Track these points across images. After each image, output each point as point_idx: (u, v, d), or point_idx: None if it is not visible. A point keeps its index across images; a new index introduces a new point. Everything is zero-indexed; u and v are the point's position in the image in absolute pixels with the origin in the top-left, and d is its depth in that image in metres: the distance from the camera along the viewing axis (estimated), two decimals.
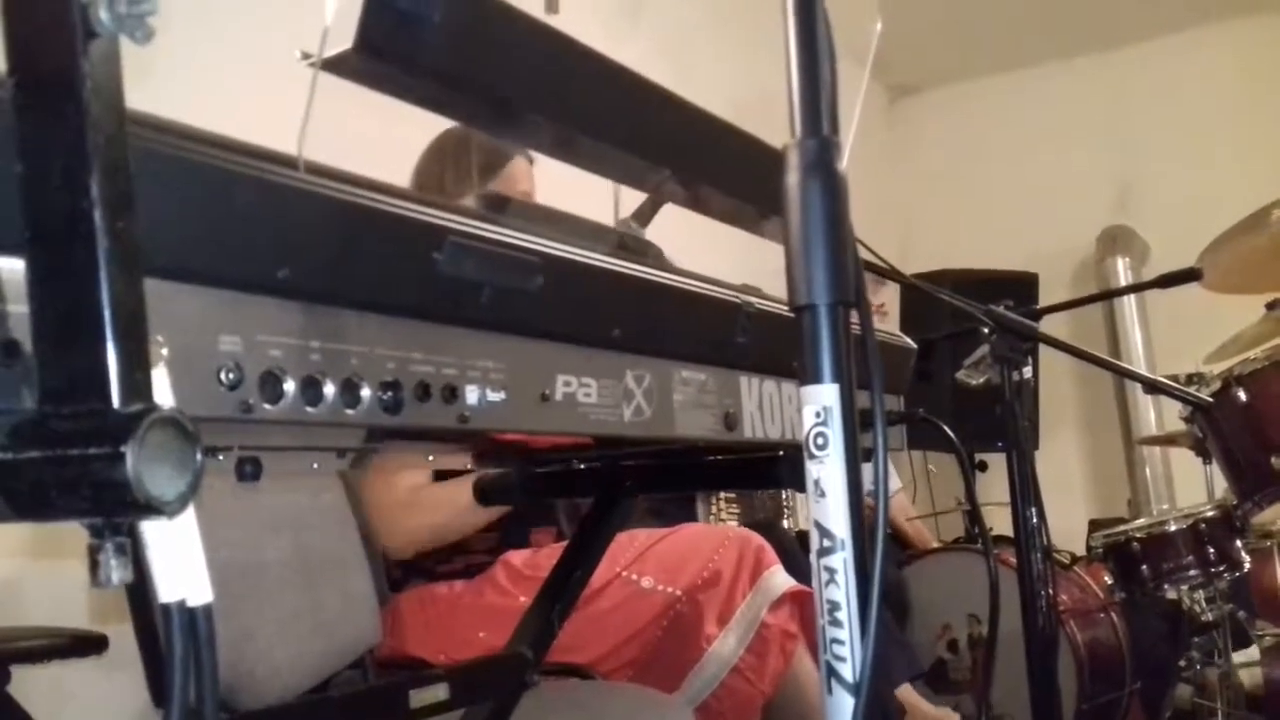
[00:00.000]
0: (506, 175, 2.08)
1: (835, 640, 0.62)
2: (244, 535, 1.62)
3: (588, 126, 0.86)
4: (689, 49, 3.64)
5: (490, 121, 0.94)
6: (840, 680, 0.61)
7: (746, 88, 2.77)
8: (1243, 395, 2.34)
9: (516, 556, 1.98)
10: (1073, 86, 5.09)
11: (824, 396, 0.63)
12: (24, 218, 0.47)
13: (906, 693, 2.51)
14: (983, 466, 4.24)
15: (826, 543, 0.62)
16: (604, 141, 0.88)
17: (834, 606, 0.62)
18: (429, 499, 1.89)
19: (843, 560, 0.62)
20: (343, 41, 0.63)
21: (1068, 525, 3.53)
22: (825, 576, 0.62)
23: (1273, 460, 2.30)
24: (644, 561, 1.92)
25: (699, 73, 3.06)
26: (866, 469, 0.66)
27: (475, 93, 0.76)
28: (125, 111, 0.47)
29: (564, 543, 1.75)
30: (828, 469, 0.63)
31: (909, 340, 1.35)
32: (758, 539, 1.99)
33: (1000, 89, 5.27)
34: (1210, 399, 2.34)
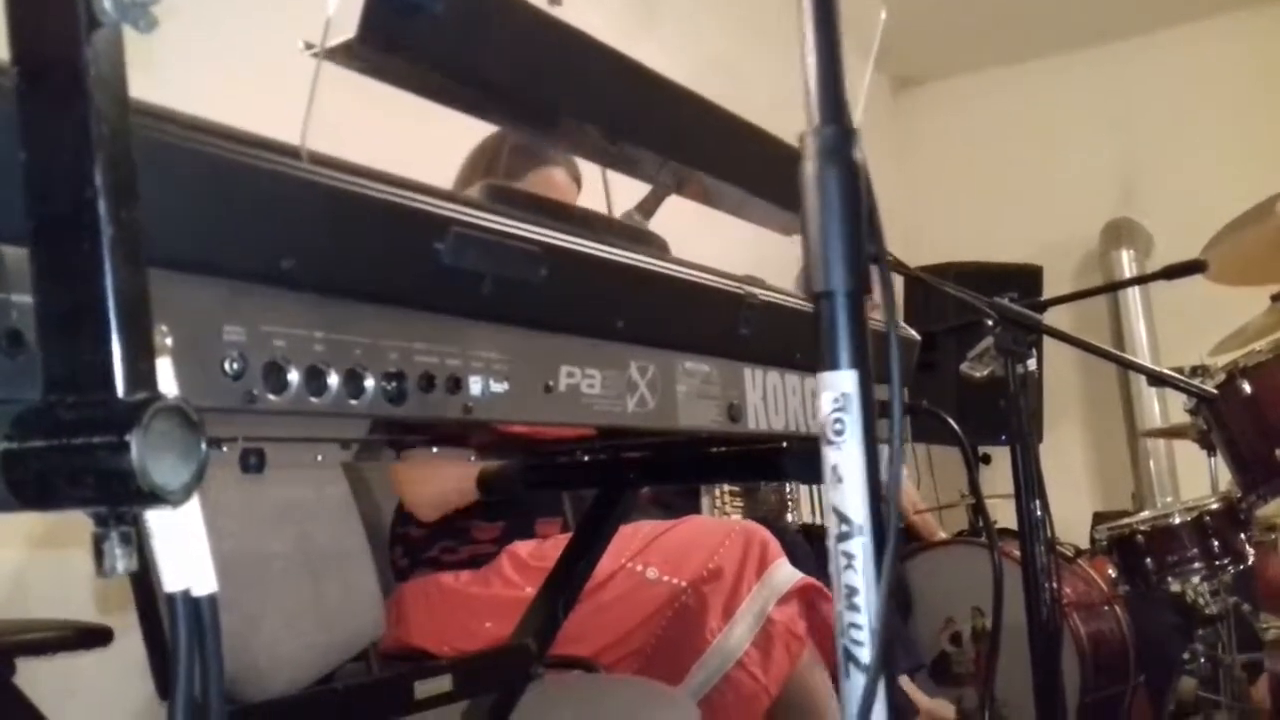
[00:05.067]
0: (531, 181, 2.00)
1: (853, 625, 0.62)
2: (249, 527, 1.62)
3: (591, 117, 0.86)
4: (695, 42, 3.63)
5: (494, 113, 0.94)
6: (858, 664, 0.61)
7: (751, 80, 2.77)
8: (1247, 387, 2.33)
9: (522, 547, 1.99)
10: (1077, 78, 5.08)
11: (842, 383, 0.63)
12: (28, 207, 0.47)
13: (903, 684, 2.51)
14: (986, 459, 4.24)
15: (844, 528, 0.62)
16: (607, 132, 0.88)
17: (852, 591, 0.62)
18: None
19: (861, 545, 0.62)
20: (345, 31, 0.63)
21: (1071, 518, 3.53)
22: (843, 561, 0.62)
23: (1277, 452, 2.29)
24: (649, 553, 1.93)
25: (704, 68, 3.05)
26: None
27: (478, 84, 0.76)
28: (129, 101, 0.47)
29: (570, 534, 1.75)
30: (845, 455, 0.63)
31: (913, 332, 1.35)
32: (763, 532, 1.99)
33: (1005, 81, 5.25)
34: (1215, 391, 2.33)
